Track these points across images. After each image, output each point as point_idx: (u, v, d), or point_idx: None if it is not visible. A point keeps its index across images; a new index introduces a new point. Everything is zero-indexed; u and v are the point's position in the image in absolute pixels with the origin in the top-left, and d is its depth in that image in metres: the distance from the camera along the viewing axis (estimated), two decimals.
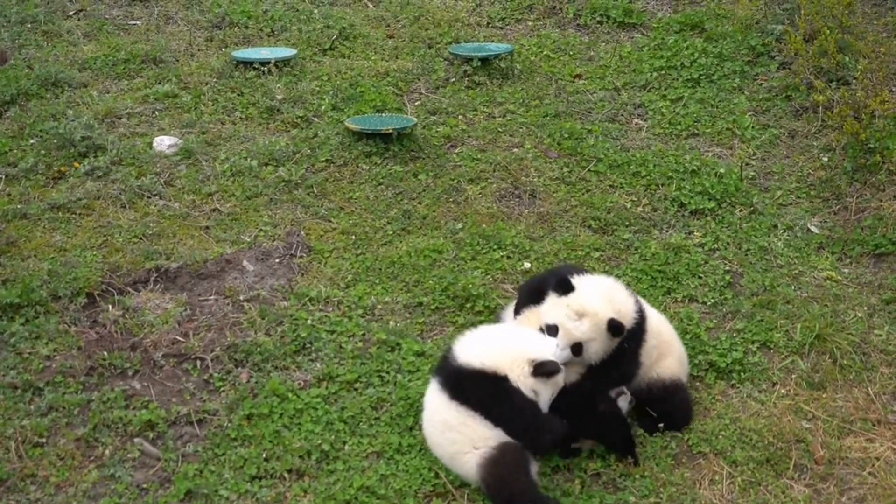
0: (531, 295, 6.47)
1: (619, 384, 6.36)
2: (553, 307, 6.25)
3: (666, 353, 6.53)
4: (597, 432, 6.22)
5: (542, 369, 5.92)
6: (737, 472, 6.23)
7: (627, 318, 6.25)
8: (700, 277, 7.60)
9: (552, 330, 6.18)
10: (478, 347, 6.06)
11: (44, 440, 6.23)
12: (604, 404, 6.21)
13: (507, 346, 6.06)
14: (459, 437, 5.91)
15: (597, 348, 6.17)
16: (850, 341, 7.03)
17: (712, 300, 7.41)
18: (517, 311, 6.50)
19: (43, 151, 8.57)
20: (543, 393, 5.98)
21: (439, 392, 6.02)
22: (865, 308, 7.36)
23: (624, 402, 6.32)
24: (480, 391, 5.92)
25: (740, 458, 6.30)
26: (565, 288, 6.24)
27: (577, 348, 6.15)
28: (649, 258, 7.72)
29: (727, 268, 7.71)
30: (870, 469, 6.26)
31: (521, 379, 5.93)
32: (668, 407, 6.48)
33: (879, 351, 7.01)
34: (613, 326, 6.11)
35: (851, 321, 7.22)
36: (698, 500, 6.07)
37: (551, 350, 6.03)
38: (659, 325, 6.60)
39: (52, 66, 9.68)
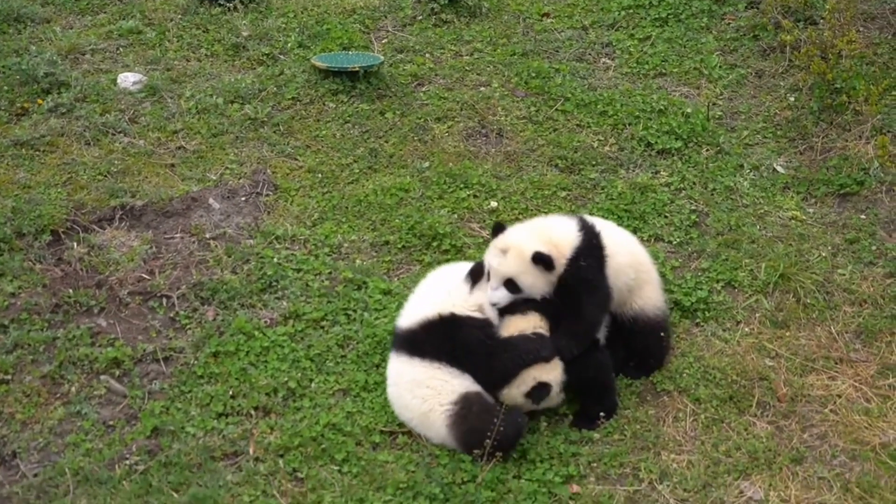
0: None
1: (601, 306, 6.25)
2: (487, 252, 6.23)
3: (645, 280, 6.49)
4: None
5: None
6: (700, 410, 6.28)
7: (566, 244, 6.14)
8: (666, 217, 7.62)
9: (487, 274, 6.17)
10: (418, 306, 6.16)
11: (9, 377, 6.22)
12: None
13: (441, 293, 6.21)
14: (429, 391, 5.94)
15: (532, 281, 6.08)
16: (814, 280, 7.07)
17: (678, 239, 7.44)
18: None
19: (5, 88, 8.50)
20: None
21: (399, 357, 6.08)
22: (829, 248, 7.40)
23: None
24: (436, 338, 5.99)
25: (704, 395, 6.34)
26: (496, 230, 6.26)
27: (510, 285, 6.09)
28: (616, 197, 7.73)
29: (693, 207, 7.73)
30: (831, 406, 6.32)
31: (468, 311, 6.07)
32: (648, 345, 6.47)
33: (843, 290, 7.05)
34: (538, 259, 6.02)
35: (815, 261, 7.26)
36: (662, 437, 6.12)
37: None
38: (633, 247, 6.56)
39: (14, 1, 9.58)
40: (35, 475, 5.74)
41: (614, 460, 5.99)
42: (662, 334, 6.51)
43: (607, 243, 6.25)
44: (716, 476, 5.93)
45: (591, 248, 6.18)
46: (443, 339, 6.00)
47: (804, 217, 7.69)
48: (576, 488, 5.85)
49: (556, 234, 6.18)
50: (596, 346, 6.22)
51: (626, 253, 6.40)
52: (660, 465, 5.98)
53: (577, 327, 6.10)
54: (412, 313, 6.16)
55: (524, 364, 5.97)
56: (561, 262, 6.09)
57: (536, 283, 6.08)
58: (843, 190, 7.88)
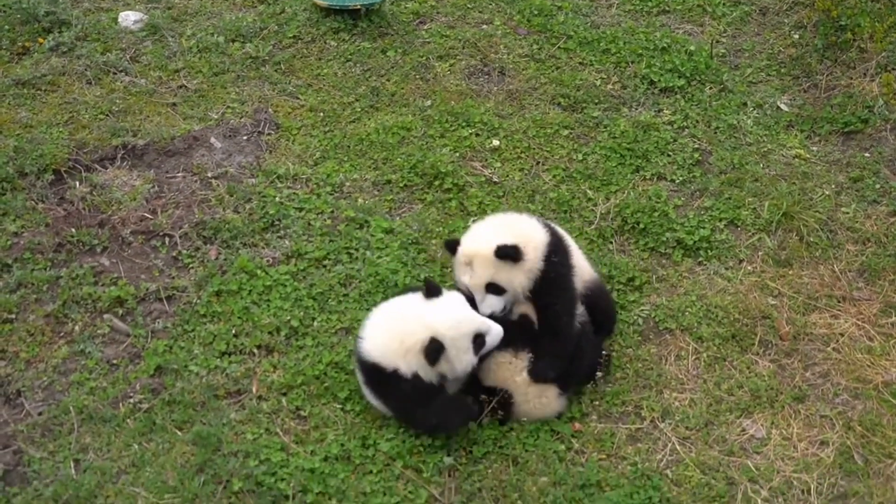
0: None
1: (572, 312, 5.96)
2: (455, 269, 5.94)
3: (577, 256, 6.21)
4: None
5: (429, 351, 5.54)
6: (703, 348, 6.29)
7: (539, 240, 5.83)
8: (669, 155, 7.60)
9: (468, 293, 5.86)
10: (374, 338, 5.71)
11: (13, 316, 6.23)
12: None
13: (396, 335, 5.64)
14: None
15: (508, 276, 5.75)
16: (818, 219, 7.06)
17: (681, 178, 7.42)
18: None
19: (6, 27, 8.45)
20: (456, 363, 5.63)
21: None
22: (833, 186, 7.39)
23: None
24: (377, 381, 5.73)
25: (706, 334, 6.35)
26: (451, 248, 5.90)
27: (492, 288, 5.79)
28: (618, 136, 7.70)
29: (696, 146, 7.70)
30: (834, 345, 6.33)
31: (414, 366, 5.59)
32: (605, 308, 6.26)
33: (846, 228, 7.05)
34: (502, 253, 5.68)
35: (819, 199, 7.25)
36: (664, 376, 6.14)
37: (448, 322, 5.59)
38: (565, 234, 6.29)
39: None
40: (40, 413, 5.77)
41: (616, 398, 6.01)
42: (607, 294, 6.38)
43: (566, 240, 6.08)
44: (718, 414, 5.96)
45: (559, 245, 5.94)
46: (384, 387, 5.73)
47: (808, 155, 7.67)
48: (578, 426, 5.88)
49: (525, 230, 5.89)
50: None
51: (573, 247, 6.19)
52: (662, 404, 6.00)
53: (556, 346, 5.85)
54: (370, 340, 5.72)
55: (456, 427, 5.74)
56: (535, 255, 5.80)
57: (515, 278, 5.78)
58: (847, 128, 7.86)
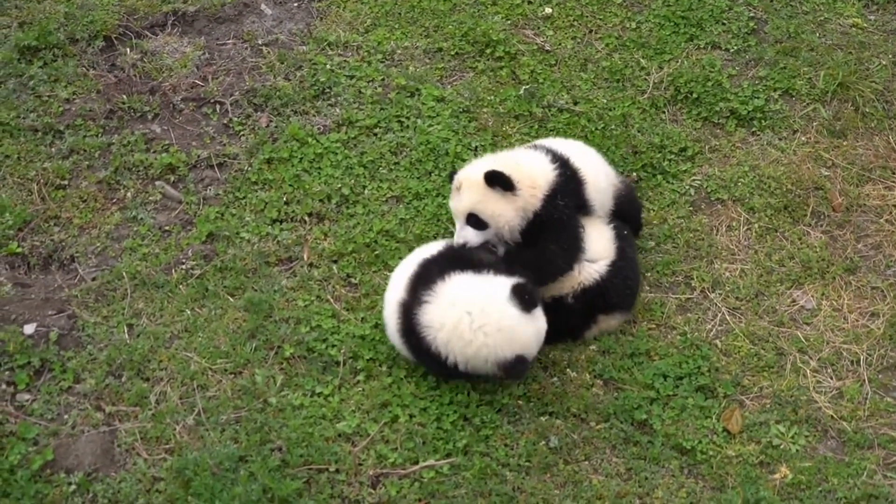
0: None
1: (568, 251, 5.57)
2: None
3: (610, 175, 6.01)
4: None
5: None
6: (754, 219, 6.27)
7: (542, 179, 5.53)
8: (724, 24, 7.49)
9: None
10: None
11: (66, 182, 6.27)
12: None
13: None
14: None
15: (493, 209, 5.44)
16: (874, 89, 6.97)
17: (735, 47, 7.33)
18: None
19: None
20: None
21: None
22: (890, 56, 7.28)
23: None
24: None
25: (758, 204, 6.33)
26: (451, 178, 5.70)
27: (473, 220, 5.49)
28: (672, 4, 7.59)
29: (751, 14, 7.59)
30: (887, 216, 6.30)
31: None
32: (631, 213, 6.05)
33: None
34: (491, 178, 5.39)
35: (875, 69, 7.15)
36: (715, 246, 6.13)
37: None
38: (597, 161, 5.99)
39: None
40: (93, 279, 5.83)
41: (667, 268, 6.02)
42: (636, 199, 6.16)
43: (582, 172, 5.67)
44: (768, 285, 5.96)
45: (569, 186, 5.58)
46: None
47: (865, 24, 7.55)
48: None
49: (529, 166, 5.57)
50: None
51: (595, 171, 5.82)
52: (712, 274, 6.00)
53: (530, 259, 5.53)
54: None
55: None
56: (532, 194, 5.48)
57: (502, 212, 5.45)
58: None
